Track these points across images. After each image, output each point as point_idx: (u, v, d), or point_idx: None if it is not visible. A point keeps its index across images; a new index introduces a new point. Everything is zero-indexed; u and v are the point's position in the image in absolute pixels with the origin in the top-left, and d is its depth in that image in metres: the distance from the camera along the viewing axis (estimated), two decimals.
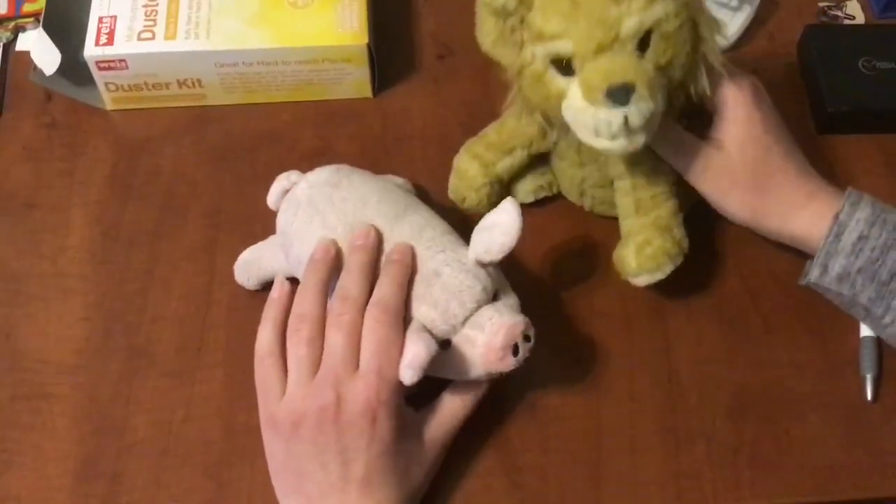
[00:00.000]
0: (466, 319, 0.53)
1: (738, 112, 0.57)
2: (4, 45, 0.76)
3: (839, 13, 0.78)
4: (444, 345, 0.53)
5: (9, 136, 0.72)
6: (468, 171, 0.64)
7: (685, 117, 0.59)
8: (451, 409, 0.56)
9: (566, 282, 0.65)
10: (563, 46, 0.52)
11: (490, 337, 0.52)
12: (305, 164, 0.65)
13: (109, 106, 0.72)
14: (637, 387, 0.61)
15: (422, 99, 0.74)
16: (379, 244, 0.56)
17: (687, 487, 0.58)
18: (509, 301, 0.55)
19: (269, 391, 0.54)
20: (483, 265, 0.54)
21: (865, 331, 0.62)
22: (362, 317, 0.53)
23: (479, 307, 0.53)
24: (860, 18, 0.77)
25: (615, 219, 0.63)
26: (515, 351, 0.53)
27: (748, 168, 0.57)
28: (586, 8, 0.51)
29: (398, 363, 0.52)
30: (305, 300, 0.55)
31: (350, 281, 0.54)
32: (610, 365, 0.62)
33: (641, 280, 0.60)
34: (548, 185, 0.66)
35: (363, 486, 0.52)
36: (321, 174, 0.60)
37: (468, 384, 0.56)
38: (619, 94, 0.51)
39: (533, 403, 0.60)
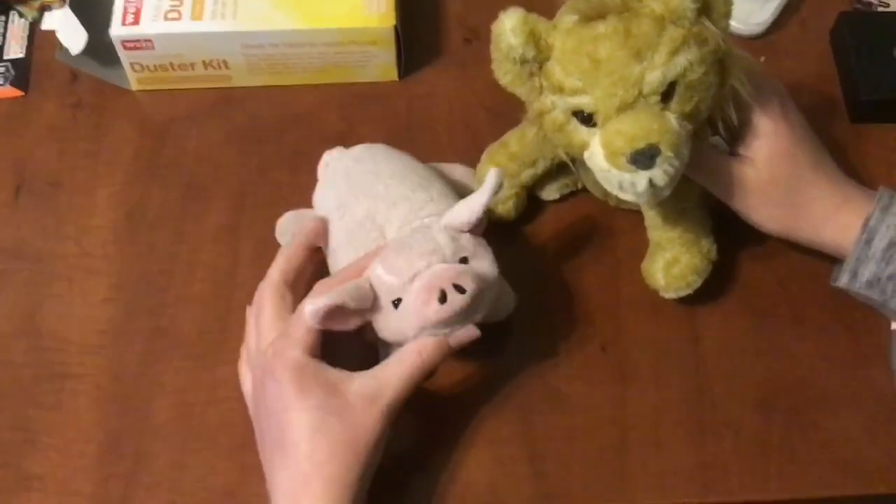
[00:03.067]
0: (416, 276, 0.52)
1: (765, 126, 0.56)
2: (30, 25, 0.76)
3: (873, 0, 0.76)
4: (398, 303, 0.52)
5: (34, 115, 0.72)
6: None
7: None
8: (388, 367, 0.53)
9: (592, 272, 0.64)
10: (584, 102, 0.51)
11: (419, 283, 0.51)
12: (330, 146, 0.64)
13: (135, 86, 0.72)
14: (664, 377, 0.60)
15: (448, 83, 0.73)
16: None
17: (713, 479, 0.57)
18: (478, 265, 0.53)
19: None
20: (455, 232, 0.53)
21: None
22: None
23: (429, 266, 0.52)
24: (895, 6, 0.76)
25: (640, 211, 0.63)
26: (443, 299, 0.51)
27: (778, 184, 0.57)
28: (607, 65, 0.50)
29: (309, 328, 0.52)
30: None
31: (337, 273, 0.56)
32: (636, 355, 0.61)
33: (670, 295, 0.60)
34: (573, 182, 0.66)
35: (279, 449, 0.51)
36: (354, 150, 0.62)
37: (411, 347, 0.53)
38: (644, 159, 0.50)
39: (557, 392, 0.60)
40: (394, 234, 0.56)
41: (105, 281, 0.64)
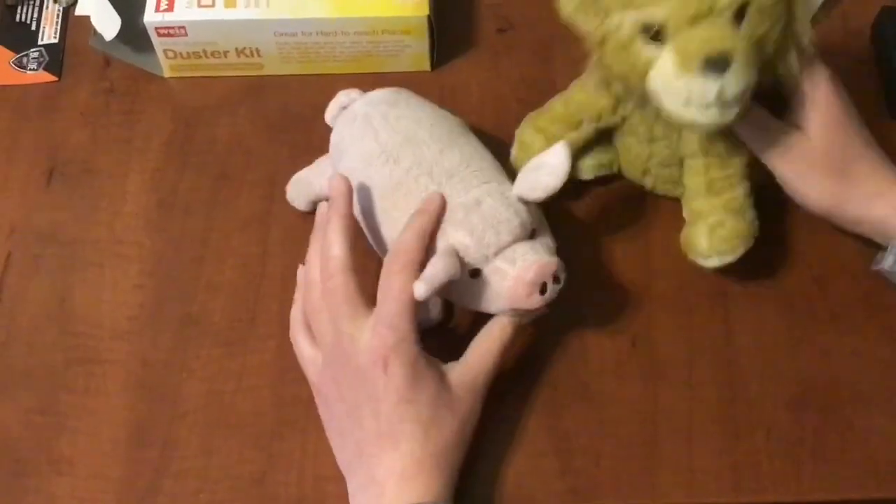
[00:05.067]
0: (500, 251, 0.53)
1: (820, 96, 0.56)
2: (64, 10, 0.76)
3: None
4: (474, 273, 0.53)
5: (67, 100, 0.72)
6: (533, 146, 0.62)
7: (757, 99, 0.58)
8: (479, 354, 0.56)
9: (624, 263, 0.63)
10: (656, 14, 0.51)
11: (521, 271, 0.52)
12: None
13: (167, 73, 0.72)
14: (696, 373, 0.60)
15: (480, 73, 0.72)
16: (441, 214, 0.54)
17: (745, 478, 0.56)
18: (546, 241, 0.55)
19: (307, 362, 0.57)
20: (525, 202, 0.54)
21: None
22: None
23: (514, 241, 0.53)
24: None
25: (676, 200, 0.62)
26: (543, 290, 0.52)
27: (830, 152, 0.56)
28: None
29: (409, 310, 0.52)
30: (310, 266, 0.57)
31: (404, 237, 0.54)
32: (667, 350, 0.60)
33: (711, 262, 0.59)
34: (609, 162, 0.65)
35: (388, 437, 0.52)
36: (380, 93, 0.62)
37: (494, 332, 0.56)
38: (717, 64, 0.50)
39: (587, 386, 0.59)
40: (444, 178, 0.55)
41: (136, 267, 0.64)
